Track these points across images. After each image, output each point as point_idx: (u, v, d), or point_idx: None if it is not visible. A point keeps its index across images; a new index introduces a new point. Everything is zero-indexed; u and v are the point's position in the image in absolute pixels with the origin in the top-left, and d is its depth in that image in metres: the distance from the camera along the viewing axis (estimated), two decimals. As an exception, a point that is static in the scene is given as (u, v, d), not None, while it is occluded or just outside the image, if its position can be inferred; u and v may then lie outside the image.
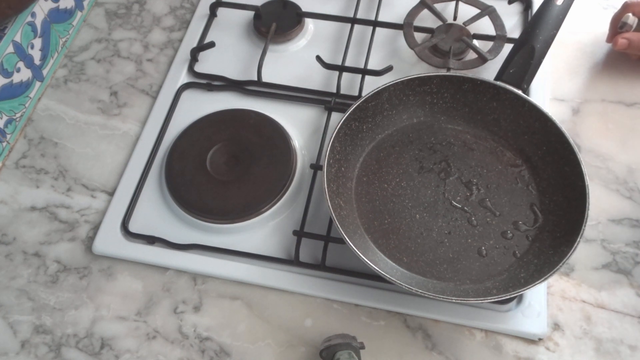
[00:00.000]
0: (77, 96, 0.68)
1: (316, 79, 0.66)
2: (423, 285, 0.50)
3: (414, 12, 0.67)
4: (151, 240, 0.56)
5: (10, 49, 0.61)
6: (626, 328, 0.52)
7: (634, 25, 0.62)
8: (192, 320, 0.53)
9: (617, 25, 0.64)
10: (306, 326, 0.53)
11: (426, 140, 0.59)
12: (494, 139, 0.58)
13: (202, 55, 0.69)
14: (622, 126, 0.62)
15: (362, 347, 0.48)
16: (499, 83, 0.56)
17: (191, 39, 0.70)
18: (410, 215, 0.55)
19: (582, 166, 0.51)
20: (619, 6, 0.65)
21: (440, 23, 0.67)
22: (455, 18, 0.67)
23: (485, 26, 0.66)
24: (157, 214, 0.58)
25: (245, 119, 0.62)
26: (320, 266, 0.54)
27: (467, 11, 0.67)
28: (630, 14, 0.62)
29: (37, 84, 0.67)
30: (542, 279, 0.46)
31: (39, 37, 0.66)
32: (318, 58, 0.65)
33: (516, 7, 0.71)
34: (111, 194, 0.60)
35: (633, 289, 0.54)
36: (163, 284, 0.55)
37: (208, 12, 0.72)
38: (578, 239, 0.48)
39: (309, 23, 0.71)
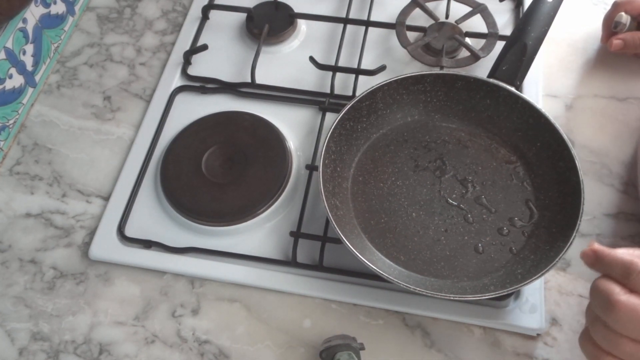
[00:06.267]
0: (70, 101, 0.67)
1: (310, 79, 0.66)
2: (421, 284, 0.50)
3: (406, 11, 0.68)
4: (148, 244, 0.56)
5: (2, 55, 0.61)
6: (623, 321, 0.52)
7: (628, 24, 0.62)
8: (190, 324, 0.53)
9: (611, 25, 0.63)
10: (305, 327, 0.53)
11: (421, 138, 0.59)
12: (489, 136, 0.59)
13: (195, 58, 0.68)
14: (615, 121, 0.63)
15: (362, 348, 0.48)
16: (492, 80, 0.57)
17: (184, 42, 0.70)
18: (406, 214, 0.55)
19: (576, 161, 0.52)
20: (609, 2, 0.65)
21: (432, 22, 0.67)
22: (447, 16, 0.68)
23: (477, 24, 0.67)
24: (153, 218, 0.58)
25: (240, 121, 0.62)
26: (317, 267, 0.54)
27: (459, 9, 0.67)
28: (622, 13, 0.62)
29: (30, 90, 0.66)
30: (539, 274, 0.46)
31: (31, 42, 0.65)
32: (311, 59, 0.65)
33: (507, 5, 0.71)
34: (106, 198, 0.60)
35: (629, 283, 0.54)
36: (160, 288, 0.55)
37: (200, 14, 0.72)
38: (574, 234, 0.48)
39: (302, 24, 0.71)
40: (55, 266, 0.57)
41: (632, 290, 0.37)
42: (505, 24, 0.69)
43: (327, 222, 0.55)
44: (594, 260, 0.41)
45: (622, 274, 0.38)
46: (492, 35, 0.65)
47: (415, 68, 0.65)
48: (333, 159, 0.55)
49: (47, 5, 0.67)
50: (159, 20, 0.74)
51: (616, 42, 0.62)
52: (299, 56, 0.68)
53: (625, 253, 0.39)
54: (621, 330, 0.37)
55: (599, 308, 0.38)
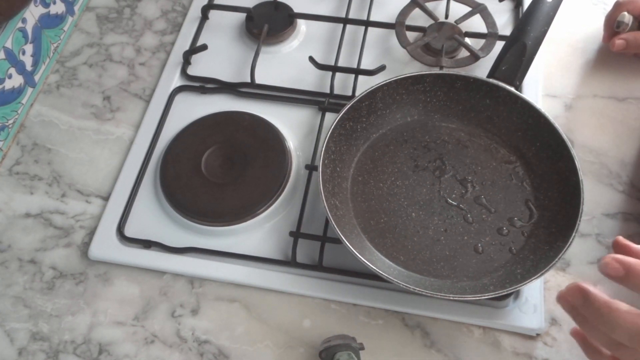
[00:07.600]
0: (69, 101, 0.67)
1: (309, 79, 0.66)
2: (420, 284, 0.50)
3: (405, 11, 0.68)
4: (147, 244, 0.56)
5: (2, 55, 0.61)
6: (623, 321, 0.52)
7: (630, 24, 0.62)
8: (190, 324, 0.53)
9: (613, 25, 0.63)
10: (305, 327, 0.53)
11: (420, 138, 0.59)
12: (488, 136, 0.59)
13: (195, 58, 0.68)
14: (614, 121, 0.63)
15: (362, 348, 0.48)
16: (491, 80, 0.57)
17: (183, 42, 0.70)
18: (406, 214, 0.55)
19: (575, 161, 0.52)
20: (609, 2, 0.65)
21: (432, 22, 0.67)
22: (446, 16, 0.68)
23: (476, 24, 0.67)
24: (152, 218, 0.58)
25: (239, 121, 0.62)
26: (317, 267, 0.54)
27: (458, 9, 0.67)
28: (625, 13, 0.62)
29: (29, 90, 0.66)
30: (539, 274, 0.47)
31: (30, 42, 0.65)
32: (311, 59, 0.65)
33: (507, 5, 0.71)
34: (106, 198, 0.60)
35: (629, 283, 0.54)
36: (160, 288, 0.55)
37: (200, 14, 0.71)
38: (573, 234, 0.48)
39: (301, 24, 0.71)
40: (54, 266, 0.57)
41: None
42: (504, 24, 0.69)
43: (327, 222, 0.55)
44: (623, 273, 0.36)
45: None
46: (491, 35, 0.65)
47: (414, 68, 0.65)
48: (333, 159, 0.55)
49: (46, 5, 0.67)
50: (158, 20, 0.74)
51: (619, 42, 0.62)
52: (299, 56, 0.68)
53: None
54: None
55: (632, 341, 0.37)
